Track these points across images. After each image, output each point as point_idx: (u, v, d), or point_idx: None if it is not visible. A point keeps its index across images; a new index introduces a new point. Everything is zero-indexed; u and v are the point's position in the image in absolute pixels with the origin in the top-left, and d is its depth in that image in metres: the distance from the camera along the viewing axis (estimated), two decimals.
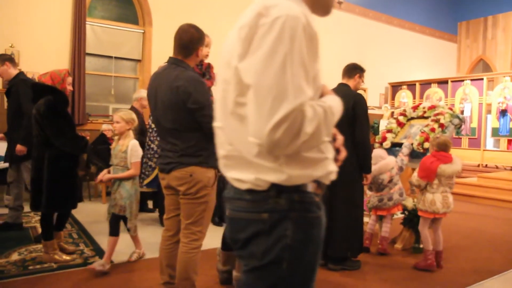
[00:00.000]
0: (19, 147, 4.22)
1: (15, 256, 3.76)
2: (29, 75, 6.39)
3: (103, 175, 3.59)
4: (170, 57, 2.56)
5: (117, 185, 3.55)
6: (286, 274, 1.17)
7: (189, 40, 2.51)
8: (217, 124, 1.30)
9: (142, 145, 5.19)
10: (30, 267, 3.52)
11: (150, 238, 4.42)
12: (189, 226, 2.49)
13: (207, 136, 2.43)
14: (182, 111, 2.42)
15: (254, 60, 1.07)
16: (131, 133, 3.60)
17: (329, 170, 1.24)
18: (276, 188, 1.17)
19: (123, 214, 3.52)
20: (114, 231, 3.53)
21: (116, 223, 3.56)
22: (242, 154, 1.19)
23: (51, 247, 3.68)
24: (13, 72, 4.36)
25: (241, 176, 1.20)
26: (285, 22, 1.05)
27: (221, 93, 1.25)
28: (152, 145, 4.90)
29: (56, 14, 6.65)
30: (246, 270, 1.25)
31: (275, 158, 1.14)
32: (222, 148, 1.27)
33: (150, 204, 5.73)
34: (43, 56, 6.53)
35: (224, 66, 1.23)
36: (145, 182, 4.94)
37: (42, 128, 3.53)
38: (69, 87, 3.64)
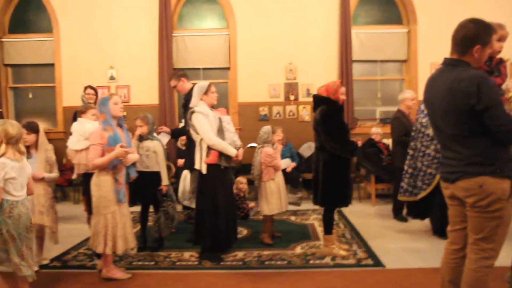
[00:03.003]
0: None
1: (298, 250, 4.21)
2: (305, 87, 7.21)
3: None
4: (445, 58, 2.33)
5: None
6: None
7: (462, 37, 2.22)
8: None
9: (406, 145, 4.99)
10: (311, 261, 3.87)
11: (427, 247, 4.21)
12: (479, 242, 2.19)
13: (499, 141, 2.10)
14: (465, 115, 2.14)
15: None
16: (2, 148, 2.88)
17: None
18: None
19: None
20: None
21: None
22: None
23: (331, 241, 4.00)
24: (188, 86, 4.57)
25: None
26: None
27: None
28: (428, 151, 4.38)
29: (325, 29, 7.18)
30: None
31: None
32: None
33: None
34: (316, 68, 7.17)
35: None
36: (423, 193, 4.42)
37: (318, 134, 3.90)
38: (342, 97, 3.88)
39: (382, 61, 7.45)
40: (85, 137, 3.79)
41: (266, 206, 4.38)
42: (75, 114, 4.61)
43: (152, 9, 7.16)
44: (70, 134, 4.00)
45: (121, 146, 3.36)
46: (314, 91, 6.72)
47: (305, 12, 7.20)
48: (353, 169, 6.43)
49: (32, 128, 3.78)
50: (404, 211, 5.35)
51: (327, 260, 3.88)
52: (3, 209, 2.85)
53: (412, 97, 5.36)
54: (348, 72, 7.04)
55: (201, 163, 3.81)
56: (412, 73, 7.26)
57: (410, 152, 4.59)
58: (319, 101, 3.92)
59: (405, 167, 4.60)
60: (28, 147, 3.81)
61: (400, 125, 5.25)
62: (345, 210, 5.53)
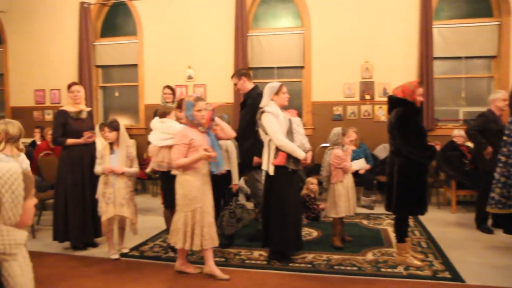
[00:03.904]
0: (256, 159, 4.27)
1: (369, 256, 4.07)
2: (381, 86, 6.93)
3: None
4: None
5: None
6: None
7: None
8: None
9: (478, 143, 4.58)
10: (382, 269, 3.72)
11: None
12: None
13: None
14: None
15: None
16: (1, 145, 3.35)
17: None
18: None
19: None
20: None
21: None
22: None
23: (404, 250, 3.81)
24: (249, 86, 4.54)
25: None
26: None
27: None
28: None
29: (404, 25, 6.84)
30: None
31: None
32: None
33: None
34: (394, 66, 6.86)
35: None
36: None
37: (393, 137, 3.73)
38: (419, 98, 3.67)
39: (467, 58, 6.92)
40: (171, 135, 3.88)
41: (333, 209, 4.33)
42: (155, 112, 4.86)
43: (228, 10, 7.32)
44: (151, 130, 4.18)
45: (205, 150, 3.43)
46: (391, 91, 6.45)
47: (383, 7, 6.92)
48: (432, 174, 6.06)
49: (114, 127, 4.05)
50: (490, 222, 4.92)
51: (400, 269, 3.71)
52: None
53: (503, 97, 4.89)
54: (428, 70, 6.66)
55: (268, 164, 3.82)
56: (502, 70, 6.67)
57: (502, 158, 4.15)
58: (394, 102, 3.75)
59: (496, 176, 4.19)
60: (111, 144, 4.10)
61: (482, 121, 4.86)
62: (421, 217, 5.22)
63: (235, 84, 4.68)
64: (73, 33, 8.06)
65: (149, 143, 4.20)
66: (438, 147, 3.72)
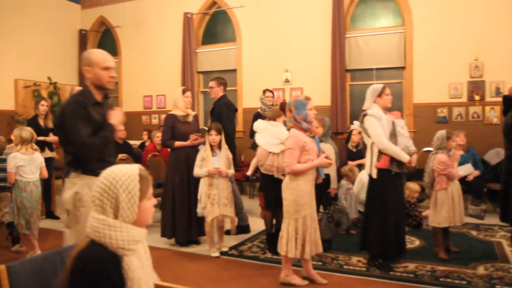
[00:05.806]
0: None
1: (481, 270, 3.75)
2: (494, 85, 6.35)
3: None
4: None
5: None
6: None
7: None
8: None
9: None
10: (497, 286, 3.40)
11: None
12: None
13: None
14: None
15: None
16: (18, 147, 4.29)
17: None
18: None
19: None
20: None
21: None
22: None
23: None
24: (220, 94, 4.93)
25: None
26: None
27: None
28: None
29: None
30: None
31: None
32: None
33: None
34: (508, 63, 6.23)
35: None
36: None
37: (509, 141, 3.42)
38: None
39: None
40: (280, 140, 3.91)
41: (434, 217, 4.08)
42: (256, 115, 5.03)
43: (325, 12, 7.26)
44: (253, 132, 4.27)
45: (326, 157, 3.37)
46: (505, 90, 5.89)
47: None
48: None
49: (219, 130, 4.25)
50: None
51: None
52: (19, 186, 4.21)
53: None
54: None
55: (371, 168, 3.72)
56: None
57: None
58: (511, 103, 3.42)
59: None
60: (211, 146, 4.28)
61: None
62: None
63: (211, 87, 5.00)
64: (177, 42, 8.62)
65: (254, 144, 4.27)
66: None
